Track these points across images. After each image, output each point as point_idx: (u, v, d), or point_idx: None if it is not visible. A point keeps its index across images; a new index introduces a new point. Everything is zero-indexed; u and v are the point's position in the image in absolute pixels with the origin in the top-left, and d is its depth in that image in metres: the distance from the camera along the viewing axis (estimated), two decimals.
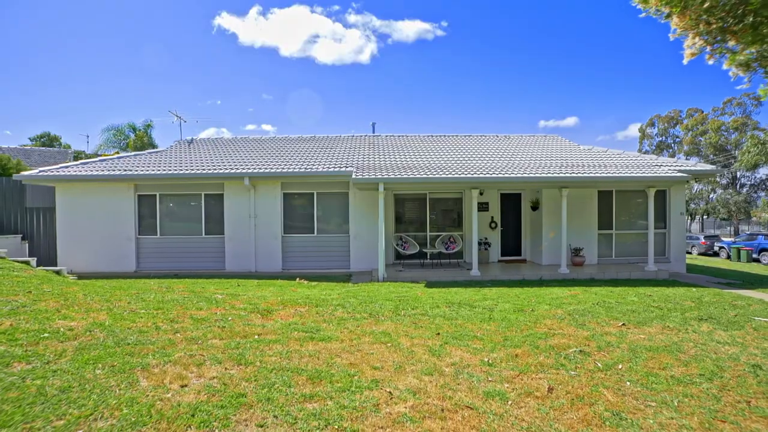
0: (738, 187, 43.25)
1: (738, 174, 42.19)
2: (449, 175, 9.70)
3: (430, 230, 12.03)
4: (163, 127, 44.96)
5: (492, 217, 12.16)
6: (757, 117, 42.50)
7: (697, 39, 2.70)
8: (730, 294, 8.05)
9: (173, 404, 2.67)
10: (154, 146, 32.45)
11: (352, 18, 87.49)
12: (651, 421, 2.92)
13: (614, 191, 11.56)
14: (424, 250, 11.40)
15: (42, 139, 48.95)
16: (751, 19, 2.30)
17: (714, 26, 2.49)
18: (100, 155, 26.73)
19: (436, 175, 9.72)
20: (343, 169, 10.78)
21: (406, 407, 2.90)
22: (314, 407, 2.79)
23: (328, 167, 11.04)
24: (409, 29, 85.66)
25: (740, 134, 40.44)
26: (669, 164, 11.14)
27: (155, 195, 11.50)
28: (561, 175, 9.45)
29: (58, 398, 2.60)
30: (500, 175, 9.51)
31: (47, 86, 78.15)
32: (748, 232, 26.60)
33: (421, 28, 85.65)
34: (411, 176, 9.70)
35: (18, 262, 8.25)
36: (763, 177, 41.80)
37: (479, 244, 11.72)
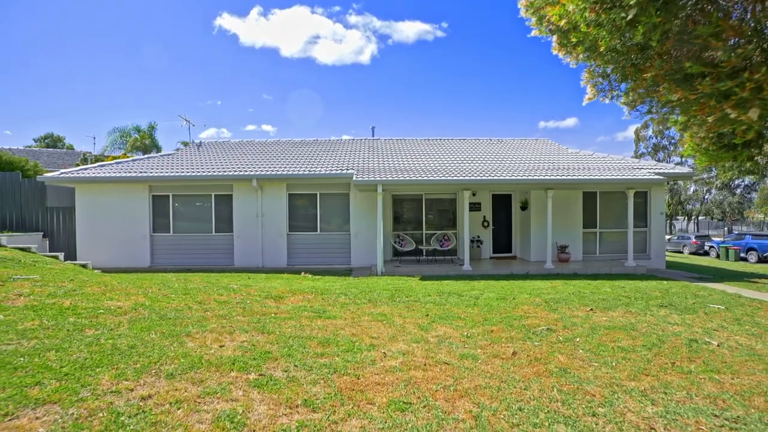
0: (732, 188, 44.05)
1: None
2: (443, 178, 10.49)
3: (426, 229, 12.82)
4: (166, 128, 45.87)
5: (484, 217, 12.95)
6: None
7: (593, 90, 3.53)
8: (697, 286, 8.84)
9: (216, 357, 3.46)
10: (158, 147, 33.17)
11: (352, 19, 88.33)
12: (589, 374, 3.71)
13: (598, 192, 12.34)
14: (420, 247, 12.19)
15: (46, 140, 49.72)
16: (620, 78, 3.11)
17: (603, 81, 3.31)
18: (107, 156, 27.54)
19: (431, 178, 10.51)
20: (345, 171, 11.57)
21: (396, 362, 3.69)
22: (325, 361, 3.58)
23: (331, 170, 11.83)
24: (409, 30, 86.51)
25: None
26: (648, 167, 11.93)
27: (168, 195, 12.29)
28: (544, 177, 10.25)
29: (129, 352, 3.39)
30: (488, 178, 10.30)
31: (47, 86, 78.91)
32: (736, 232, 27.39)
33: (421, 29, 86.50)
34: (407, 178, 10.49)
35: (48, 256, 9.03)
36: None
37: (472, 241, 12.51)
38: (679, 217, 50.07)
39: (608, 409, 3.05)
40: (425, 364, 3.68)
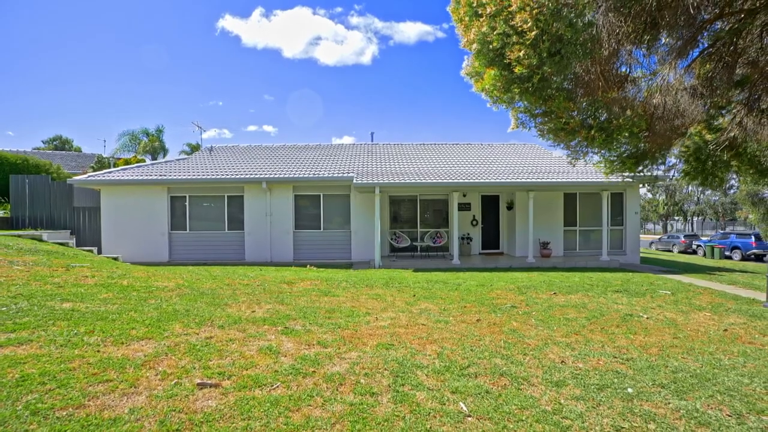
0: (726, 188, 45.08)
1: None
2: (434, 181, 11.66)
3: (421, 227, 13.99)
4: (170, 130, 47.17)
5: (474, 216, 14.11)
6: None
7: (515, 122, 4.74)
8: (657, 277, 9.98)
9: (251, 317, 4.64)
10: (165, 149, 34.38)
11: (354, 20, 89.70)
12: (532, 333, 4.87)
13: (578, 193, 13.49)
14: (415, 244, 13.36)
15: (54, 142, 50.99)
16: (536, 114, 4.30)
17: (523, 117, 4.50)
18: (118, 159, 28.78)
19: (424, 181, 11.67)
20: (346, 174, 12.75)
21: (385, 323, 4.86)
22: (331, 321, 4.76)
23: (333, 173, 13.01)
24: (410, 31, 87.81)
25: None
26: None
27: (185, 196, 13.49)
28: (525, 180, 11.41)
29: (186, 313, 4.57)
30: (475, 181, 11.47)
31: (48, 87, 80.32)
32: (721, 231, 28.40)
33: (422, 29, 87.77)
34: (402, 181, 11.65)
35: (84, 250, 10.21)
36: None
37: (462, 239, 13.68)
38: (677, 217, 51.14)
39: (537, 352, 4.21)
40: (407, 325, 4.86)
